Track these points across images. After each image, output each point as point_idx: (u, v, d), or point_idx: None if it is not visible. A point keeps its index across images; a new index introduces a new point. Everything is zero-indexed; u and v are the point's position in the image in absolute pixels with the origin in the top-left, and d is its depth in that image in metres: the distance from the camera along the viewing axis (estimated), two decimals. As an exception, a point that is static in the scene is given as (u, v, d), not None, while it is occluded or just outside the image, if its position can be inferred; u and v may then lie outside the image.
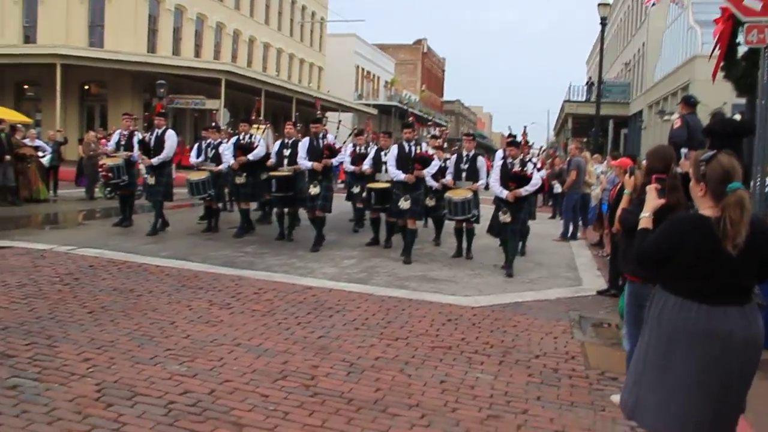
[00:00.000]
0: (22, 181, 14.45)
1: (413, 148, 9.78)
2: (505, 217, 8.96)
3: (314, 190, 10.05)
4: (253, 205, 12.59)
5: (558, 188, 16.45)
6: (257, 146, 11.03)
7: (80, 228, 11.92)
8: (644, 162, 4.78)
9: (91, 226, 12.17)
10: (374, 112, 45.43)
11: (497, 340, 5.89)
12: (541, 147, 16.09)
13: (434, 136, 14.70)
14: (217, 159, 11.20)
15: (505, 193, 8.99)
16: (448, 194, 9.91)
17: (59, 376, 4.39)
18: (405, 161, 9.62)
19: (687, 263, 2.94)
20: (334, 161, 10.41)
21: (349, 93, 48.76)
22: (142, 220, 11.64)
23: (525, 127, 10.96)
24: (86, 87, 29.41)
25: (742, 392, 3.00)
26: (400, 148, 9.82)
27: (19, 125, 16.23)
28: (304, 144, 10.33)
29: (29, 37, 29.73)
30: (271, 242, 10.70)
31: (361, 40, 54.92)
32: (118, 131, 12.06)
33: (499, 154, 10.10)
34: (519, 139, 9.93)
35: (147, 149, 10.97)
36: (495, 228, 9.24)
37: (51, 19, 28.87)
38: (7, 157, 13.70)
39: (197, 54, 33.48)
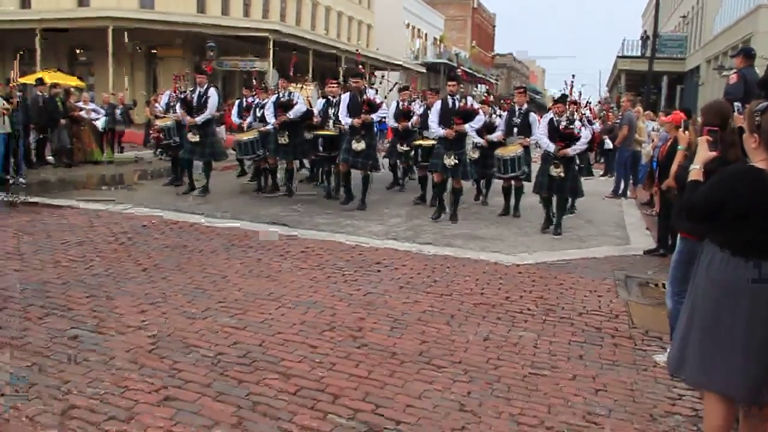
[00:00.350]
0: (76, 143, 14.86)
1: (457, 103, 9.32)
2: (558, 171, 8.68)
3: (358, 145, 9.71)
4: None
5: (609, 144, 16.15)
6: (296, 103, 10.88)
7: (134, 188, 12.24)
8: (700, 118, 4.66)
9: (145, 186, 12.48)
10: (423, 70, 45.04)
11: (542, 298, 5.91)
12: (588, 100, 15.17)
13: (488, 92, 14.46)
14: (264, 119, 11.28)
15: (552, 147, 8.73)
16: (498, 151, 9.86)
17: (116, 328, 4.60)
18: (448, 116, 9.23)
19: (737, 216, 2.88)
20: (375, 116, 9.93)
21: (399, 50, 48.33)
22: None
23: (573, 76, 10.67)
24: (138, 49, 29.80)
25: None
26: (443, 102, 9.44)
27: (72, 89, 16.62)
28: (344, 100, 10.05)
29: (82, 1, 30.22)
30: (319, 201, 10.83)
31: (410, -5, 54.10)
32: (168, 92, 12.28)
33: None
34: (567, 95, 9.78)
35: (190, 108, 10.86)
36: (544, 185, 8.90)
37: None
38: (63, 121, 14.10)
39: (246, 13, 33.53)
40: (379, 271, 6.52)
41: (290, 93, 11.13)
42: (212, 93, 10.90)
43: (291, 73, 12.81)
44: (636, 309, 5.80)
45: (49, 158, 14.55)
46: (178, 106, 11.26)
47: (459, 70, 11.89)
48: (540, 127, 9.23)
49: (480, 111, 9.74)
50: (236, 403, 3.58)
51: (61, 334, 4.41)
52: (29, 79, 19.64)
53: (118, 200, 9.89)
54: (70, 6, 29.45)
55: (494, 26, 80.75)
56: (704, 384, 3.06)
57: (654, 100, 30.40)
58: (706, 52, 30.73)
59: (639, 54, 35.99)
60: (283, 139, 10.83)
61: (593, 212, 10.93)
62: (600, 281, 6.61)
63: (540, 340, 4.85)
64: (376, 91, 10.86)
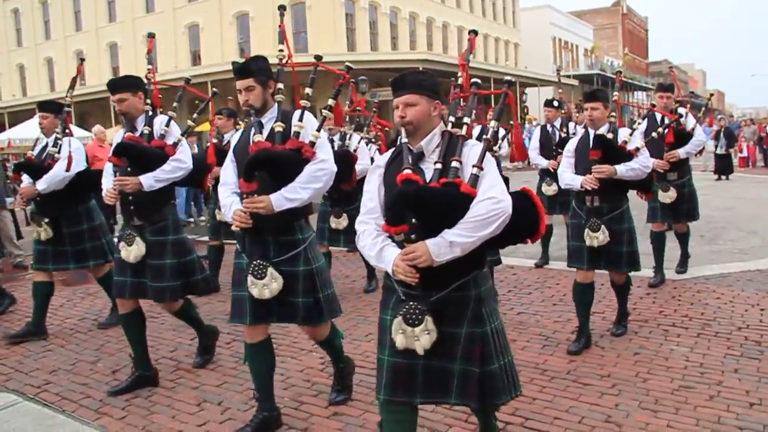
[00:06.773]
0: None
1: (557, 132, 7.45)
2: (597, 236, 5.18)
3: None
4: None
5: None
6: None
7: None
8: None
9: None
10: (575, 83, 44.26)
11: (697, 312, 5.85)
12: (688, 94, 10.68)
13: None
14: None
15: (577, 181, 5.15)
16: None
17: (290, 351, 5.20)
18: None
19: None
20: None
21: (547, 66, 47.86)
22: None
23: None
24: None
25: None
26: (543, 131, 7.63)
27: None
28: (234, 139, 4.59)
29: (243, 50, 32.87)
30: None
31: (556, 9, 53.57)
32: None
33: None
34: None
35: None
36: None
37: (261, 32, 31.63)
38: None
39: (394, 46, 34.79)
40: (530, 293, 6.72)
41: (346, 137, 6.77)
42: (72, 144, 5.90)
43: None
44: (802, 321, 5.60)
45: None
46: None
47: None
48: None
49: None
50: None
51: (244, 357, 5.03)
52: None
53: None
54: (234, 58, 32.10)
55: (647, 30, 77.69)
56: None
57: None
58: None
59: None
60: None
61: (759, 220, 10.39)
62: (764, 293, 6.39)
63: (692, 353, 4.86)
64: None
